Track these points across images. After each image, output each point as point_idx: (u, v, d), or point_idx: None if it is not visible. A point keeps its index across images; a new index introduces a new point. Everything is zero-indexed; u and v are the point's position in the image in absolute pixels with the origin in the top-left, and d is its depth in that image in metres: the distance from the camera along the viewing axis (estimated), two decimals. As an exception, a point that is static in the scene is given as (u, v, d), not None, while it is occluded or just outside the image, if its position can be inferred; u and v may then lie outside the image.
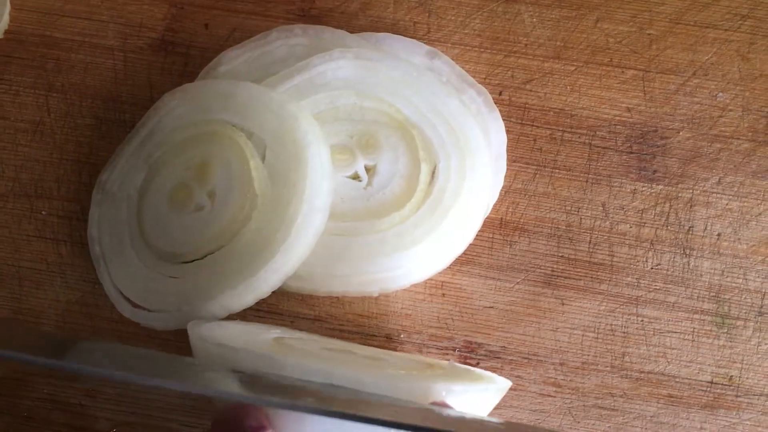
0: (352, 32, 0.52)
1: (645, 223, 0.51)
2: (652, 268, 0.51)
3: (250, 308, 0.50)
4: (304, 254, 0.45)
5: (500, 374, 0.49)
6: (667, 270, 0.51)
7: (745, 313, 0.50)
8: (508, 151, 0.52)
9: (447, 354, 0.50)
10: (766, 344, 0.50)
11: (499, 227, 0.51)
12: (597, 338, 0.50)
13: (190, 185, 0.48)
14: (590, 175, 0.52)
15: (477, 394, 0.41)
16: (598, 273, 0.51)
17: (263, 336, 0.45)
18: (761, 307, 0.50)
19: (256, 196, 0.46)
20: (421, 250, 0.47)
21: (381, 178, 0.49)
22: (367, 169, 0.49)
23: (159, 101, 0.50)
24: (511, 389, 0.49)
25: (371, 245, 0.47)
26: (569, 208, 0.52)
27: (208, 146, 0.48)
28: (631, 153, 0.52)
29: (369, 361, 0.43)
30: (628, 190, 0.52)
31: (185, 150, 0.49)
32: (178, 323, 0.45)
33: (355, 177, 0.49)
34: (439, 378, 0.40)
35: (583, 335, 0.50)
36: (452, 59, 0.53)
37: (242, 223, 0.46)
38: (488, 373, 0.46)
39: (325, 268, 0.47)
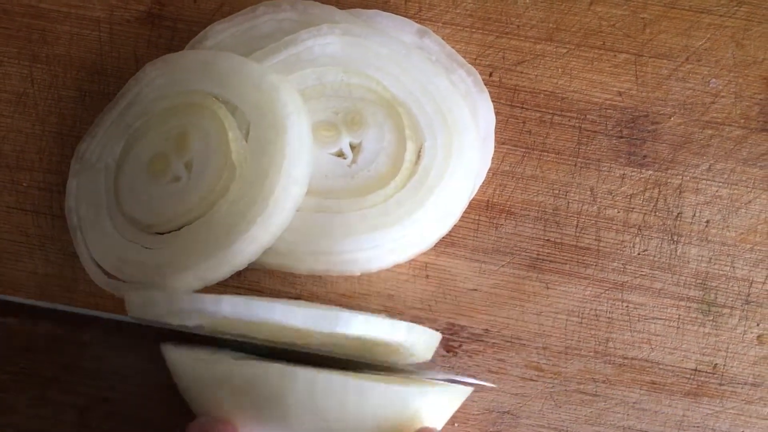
0: (341, 8, 0.52)
1: (633, 208, 0.51)
2: (638, 254, 0.50)
3: (231, 285, 0.49)
4: (282, 227, 0.44)
5: (483, 357, 0.49)
6: (654, 256, 0.50)
7: (732, 301, 0.50)
8: (496, 132, 0.51)
9: (429, 336, 0.49)
10: (751, 333, 0.49)
11: (485, 209, 0.51)
12: (581, 323, 0.49)
13: (168, 155, 0.47)
14: (579, 159, 0.51)
15: (448, 395, 0.42)
16: (584, 257, 0.50)
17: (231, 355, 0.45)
18: (748, 295, 0.50)
19: (234, 167, 0.45)
20: (404, 229, 0.46)
21: (366, 155, 0.48)
22: (352, 147, 0.49)
23: (140, 71, 0.50)
24: (493, 372, 0.49)
25: (353, 223, 0.46)
26: (557, 191, 0.51)
27: (188, 117, 0.48)
28: (621, 137, 0.52)
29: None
30: (617, 175, 0.51)
31: (165, 120, 0.48)
32: None
33: (340, 154, 0.49)
34: (412, 382, 0.41)
35: (567, 320, 0.49)
36: (443, 39, 0.52)
37: (219, 195, 0.45)
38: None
39: (307, 245, 0.46)
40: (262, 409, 0.39)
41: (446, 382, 0.44)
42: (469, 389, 0.44)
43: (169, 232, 0.46)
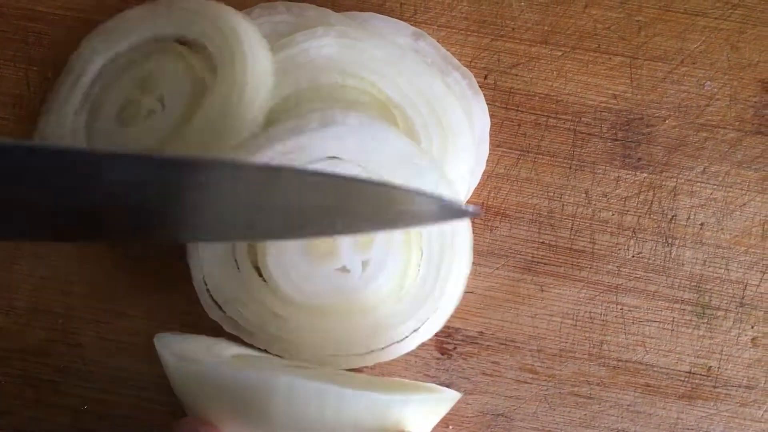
0: (337, 11, 0.52)
1: (628, 210, 0.51)
2: (633, 257, 0.50)
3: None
4: (262, 109, 0.47)
5: (477, 360, 0.49)
6: (649, 258, 0.50)
7: (726, 303, 0.50)
8: (492, 135, 0.51)
9: (424, 338, 0.49)
10: (746, 335, 0.49)
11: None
12: (575, 325, 0.49)
13: (137, 99, 0.49)
14: (574, 162, 0.52)
15: (431, 403, 0.42)
16: (579, 260, 0.50)
17: (225, 352, 0.45)
18: (743, 297, 0.50)
19: (206, 88, 0.48)
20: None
21: (360, 159, 0.48)
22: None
23: (80, 47, 0.52)
24: (487, 375, 0.49)
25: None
26: (552, 194, 0.51)
27: (148, 63, 0.50)
28: (616, 140, 0.52)
29: (334, 377, 0.44)
30: (612, 178, 0.51)
31: (127, 73, 0.51)
32: None
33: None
34: (397, 389, 0.41)
35: (561, 322, 0.49)
36: (438, 41, 0.52)
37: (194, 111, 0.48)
38: (434, 386, 0.47)
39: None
40: (244, 413, 0.39)
41: (432, 388, 0.44)
42: (455, 397, 0.44)
43: None
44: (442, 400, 0.43)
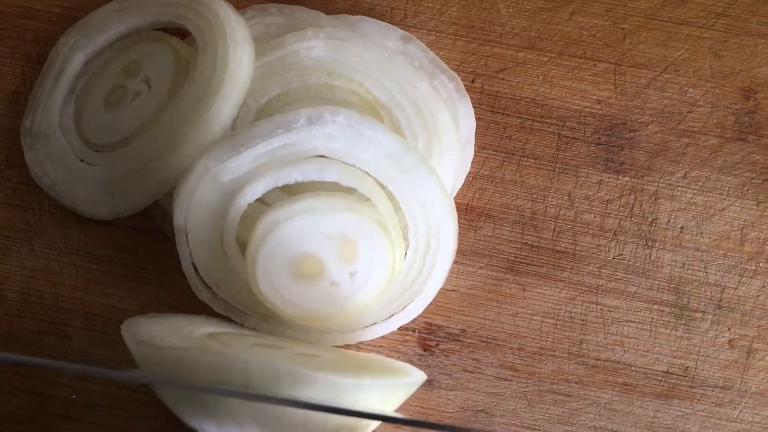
0: (328, 14, 0.53)
1: (609, 213, 0.52)
2: (614, 258, 0.51)
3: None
4: (243, 88, 0.48)
5: (459, 356, 0.50)
6: (629, 260, 0.51)
7: (704, 305, 0.50)
8: (477, 138, 0.52)
9: (407, 335, 0.50)
10: (723, 337, 0.50)
11: (464, 212, 0.52)
12: (556, 325, 0.50)
13: (123, 84, 0.51)
14: (558, 165, 0.53)
15: (386, 388, 0.43)
16: (561, 261, 0.51)
17: (197, 331, 0.46)
18: (720, 300, 0.51)
19: (187, 66, 0.50)
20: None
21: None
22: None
23: (57, 44, 0.53)
24: (468, 371, 0.50)
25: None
26: (535, 196, 0.52)
27: (132, 51, 0.52)
28: (599, 144, 0.53)
29: (298, 357, 0.44)
30: (595, 181, 0.52)
31: (110, 65, 0.52)
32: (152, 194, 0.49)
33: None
34: (352, 373, 0.41)
35: (542, 321, 0.50)
36: (427, 45, 0.53)
37: (177, 91, 0.50)
38: (407, 366, 0.48)
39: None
40: (201, 396, 0.40)
41: (401, 369, 0.45)
42: (412, 384, 0.45)
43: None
44: (399, 386, 0.43)
